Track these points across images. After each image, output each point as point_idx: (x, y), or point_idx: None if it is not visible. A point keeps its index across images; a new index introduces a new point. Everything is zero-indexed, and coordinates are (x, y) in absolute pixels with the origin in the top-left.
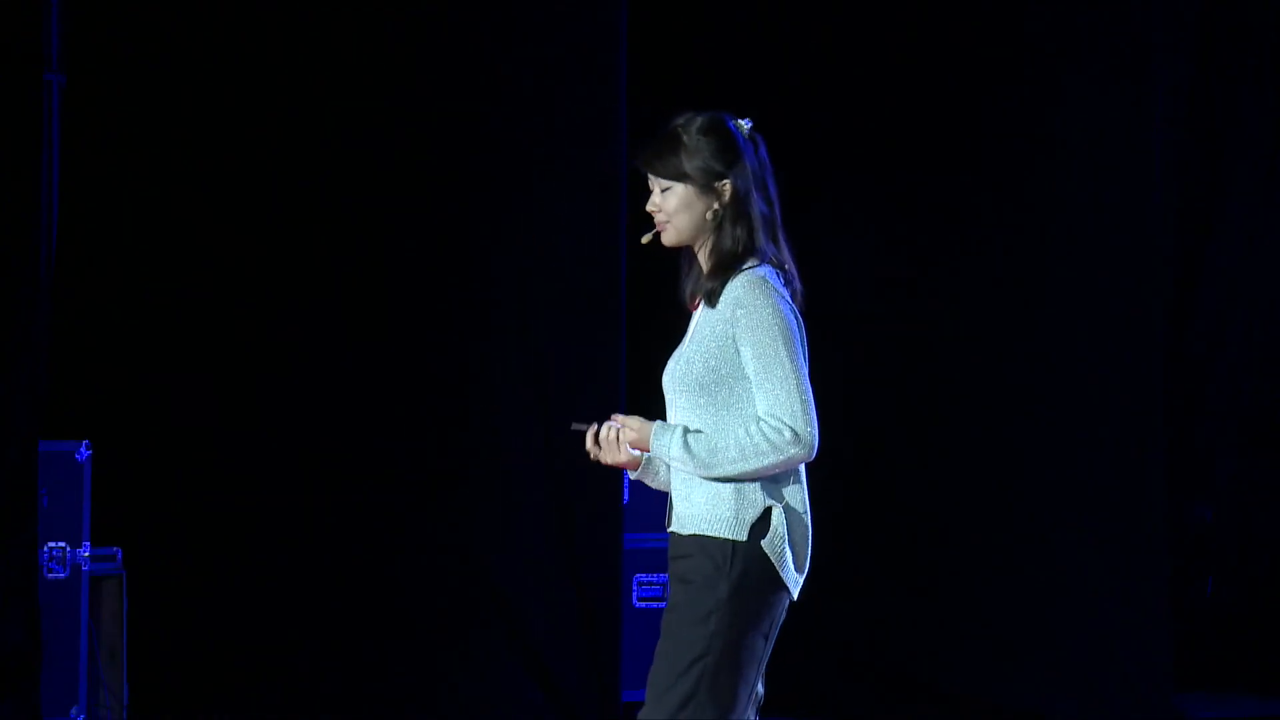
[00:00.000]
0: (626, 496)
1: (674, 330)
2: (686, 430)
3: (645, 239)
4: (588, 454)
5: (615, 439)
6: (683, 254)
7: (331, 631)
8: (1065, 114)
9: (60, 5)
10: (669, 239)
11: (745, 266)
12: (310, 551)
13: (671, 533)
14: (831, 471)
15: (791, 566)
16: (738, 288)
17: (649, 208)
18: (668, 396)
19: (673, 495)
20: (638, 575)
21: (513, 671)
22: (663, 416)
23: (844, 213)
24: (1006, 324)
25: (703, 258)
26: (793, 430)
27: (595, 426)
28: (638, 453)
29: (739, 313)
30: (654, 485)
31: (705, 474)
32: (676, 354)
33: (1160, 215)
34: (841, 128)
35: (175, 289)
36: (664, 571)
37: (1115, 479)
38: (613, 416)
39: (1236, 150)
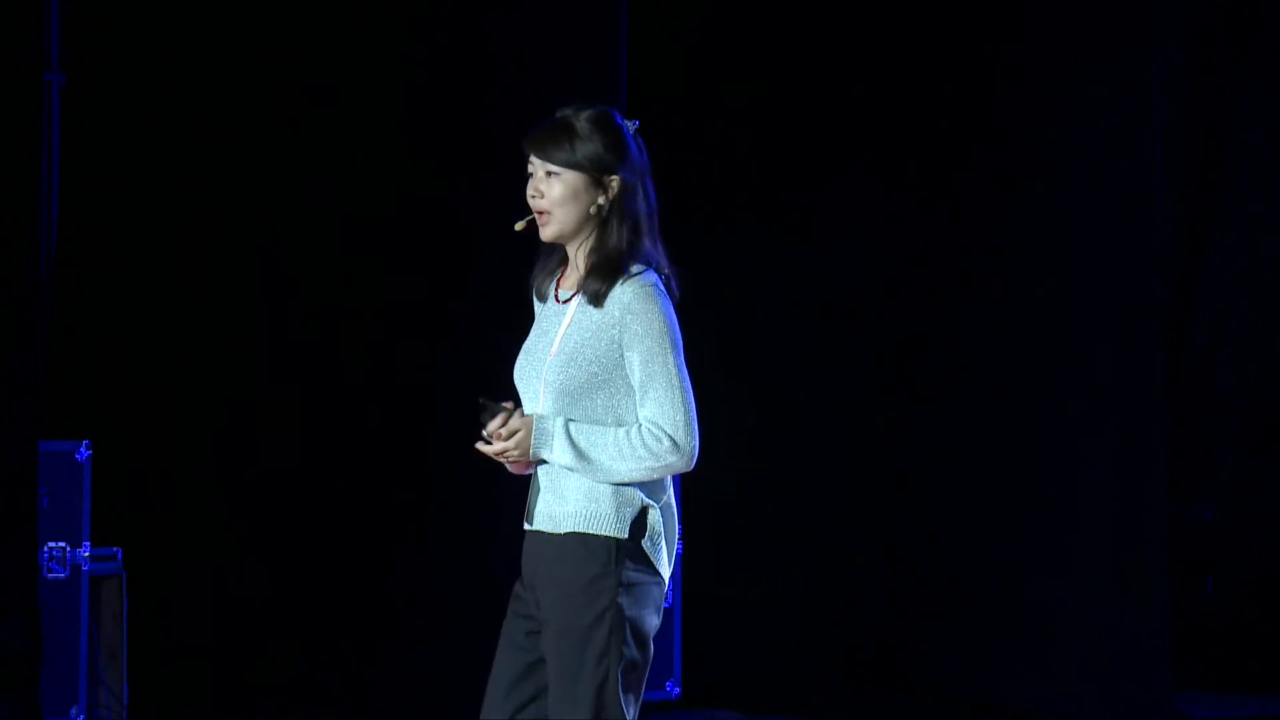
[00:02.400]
0: None
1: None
2: (569, 429)
3: (519, 225)
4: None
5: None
6: (542, 246)
7: (331, 631)
8: (1065, 114)
9: (60, 5)
10: (550, 232)
11: (634, 271)
12: (310, 551)
13: (535, 531)
14: (832, 471)
15: (665, 564)
16: (628, 294)
17: (531, 193)
18: (527, 390)
19: (538, 492)
20: None
21: None
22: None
23: (843, 213)
24: (1006, 323)
25: (580, 255)
26: (672, 440)
27: (501, 418)
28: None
29: (629, 319)
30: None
31: (585, 474)
32: (532, 348)
33: (1160, 216)
34: (841, 128)
35: (175, 289)
36: None
37: (1115, 479)
38: (491, 437)
39: (1236, 151)
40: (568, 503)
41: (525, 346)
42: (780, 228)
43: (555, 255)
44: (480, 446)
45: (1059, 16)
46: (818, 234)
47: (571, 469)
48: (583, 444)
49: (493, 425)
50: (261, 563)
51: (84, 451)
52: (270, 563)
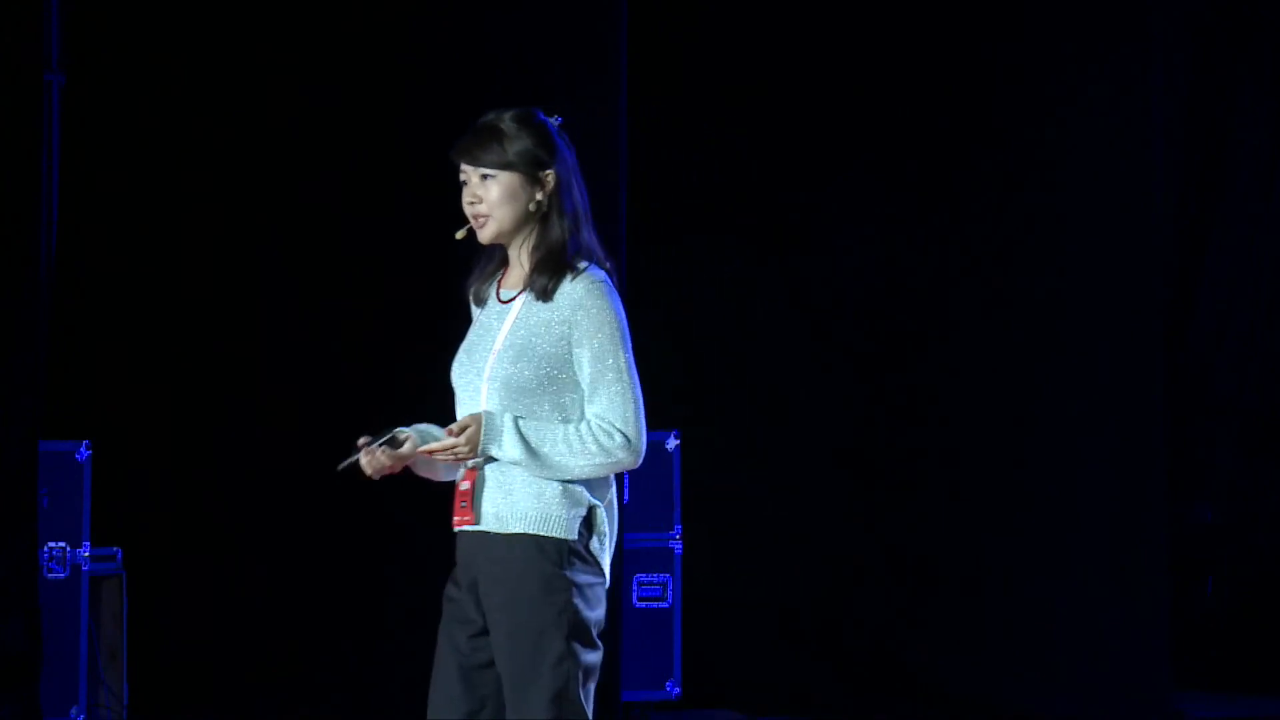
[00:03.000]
0: (627, 496)
1: (675, 328)
2: (518, 424)
3: (460, 234)
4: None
5: (381, 457)
6: (479, 252)
7: (331, 631)
8: (1065, 114)
9: (60, 5)
10: (489, 233)
11: (581, 266)
12: (310, 551)
13: (480, 531)
14: (831, 471)
15: (608, 564)
16: (579, 289)
17: (468, 199)
18: (466, 388)
19: (482, 491)
20: (638, 575)
21: None
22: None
23: (844, 213)
24: (1006, 323)
25: (523, 252)
26: (624, 435)
27: (360, 454)
28: (404, 455)
29: (579, 315)
30: (431, 477)
31: (533, 470)
32: (473, 347)
33: (1160, 216)
34: (841, 128)
35: (175, 289)
36: (665, 572)
37: (1115, 479)
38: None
39: (1236, 151)
40: (517, 503)
41: (465, 346)
42: (780, 228)
43: (493, 260)
44: (431, 447)
45: (1059, 16)
46: (818, 234)
47: (520, 464)
48: (533, 439)
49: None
50: (261, 563)
51: (84, 451)
52: (270, 563)
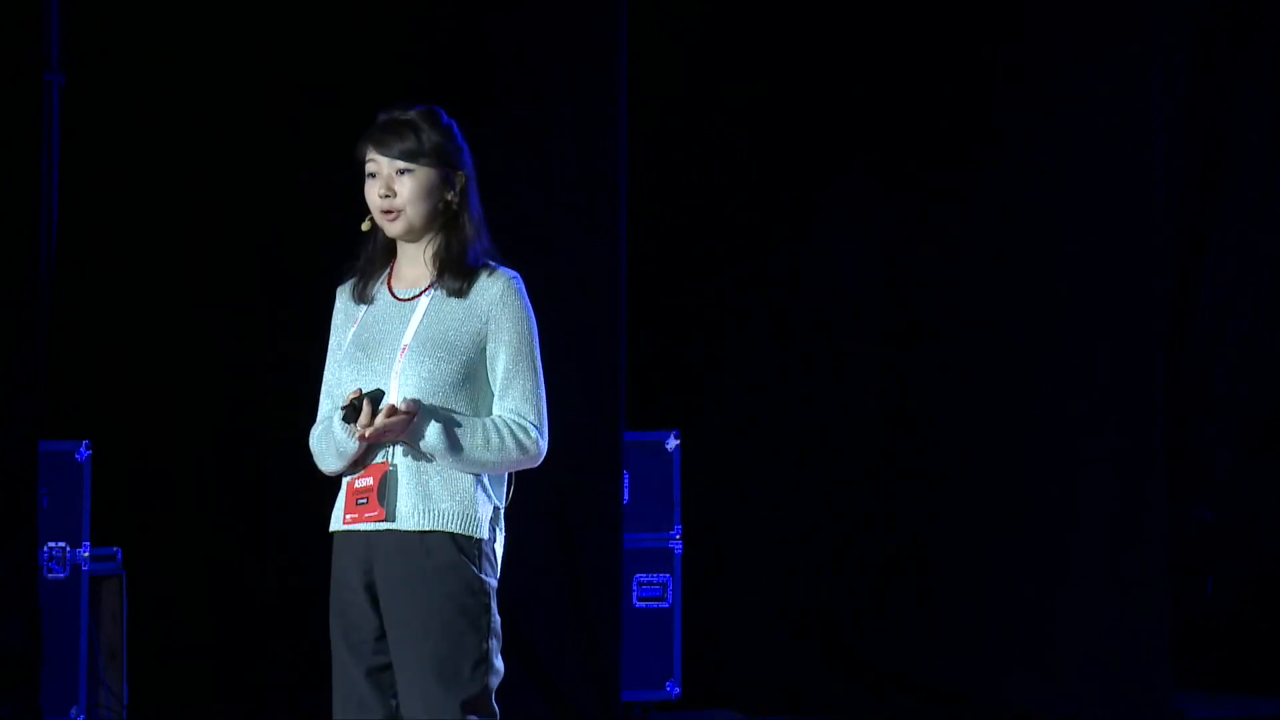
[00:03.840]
0: (627, 496)
1: (675, 328)
2: (438, 414)
3: (365, 226)
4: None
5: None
6: (371, 243)
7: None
8: (1065, 114)
9: (60, 5)
10: (398, 228)
11: (493, 265)
12: (310, 551)
13: (388, 529)
14: (831, 471)
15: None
16: (495, 287)
17: (380, 191)
18: (368, 386)
19: (394, 487)
20: (638, 575)
21: (513, 672)
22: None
23: (843, 213)
24: (1007, 323)
25: (425, 252)
26: (538, 431)
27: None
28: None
29: (497, 311)
30: (344, 457)
31: (449, 462)
32: (372, 344)
33: (1160, 216)
34: (841, 128)
35: (176, 289)
36: (665, 572)
37: (1115, 479)
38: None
39: (1236, 150)
40: (435, 500)
41: (358, 343)
42: (780, 228)
43: (376, 256)
44: (380, 423)
45: (1059, 16)
46: (817, 234)
47: (435, 456)
48: (455, 431)
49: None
50: (261, 563)
51: (84, 451)
52: (270, 563)
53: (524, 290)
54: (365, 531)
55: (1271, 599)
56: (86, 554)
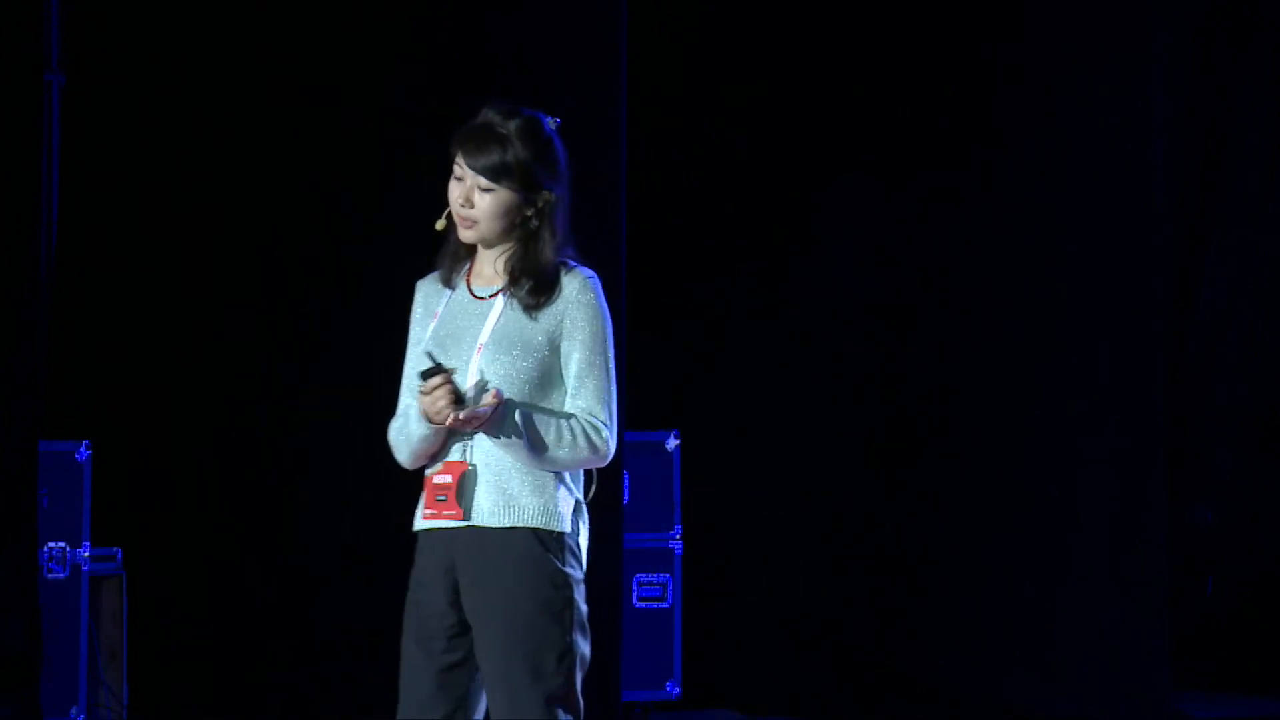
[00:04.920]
0: (627, 496)
1: (677, 327)
2: (520, 410)
3: (440, 224)
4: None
5: (455, 414)
6: (452, 238)
7: (331, 631)
8: (1065, 114)
9: (60, 5)
10: (472, 236)
11: (570, 264)
12: (310, 551)
13: (468, 526)
14: (831, 471)
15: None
16: (573, 287)
17: (458, 200)
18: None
19: (473, 485)
20: (638, 575)
21: None
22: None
23: (843, 213)
24: (1007, 323)
25: (499, 261)
26: (608, 432)
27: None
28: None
29: (573, 312)
30: (423, 445)
31: (524, 456)
32: (450, 339)
33: (1160, 216)
34: (841, 129)
35: (176, 289)
36: (665, 572)
37: (1115, 479)
38: (481, 405)
39: (1236, 150)
40: (516, 497)
41: (437, 339)
42: (780, 228)
43: (456, 254)
44: (468, 412)
45: (1059, 16)
46: (817, 234)
47: (513, 451)
48: (536, 427)
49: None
50: (261, 563)
51: (84, 451)
52: (270, 562)
53: (600, 289)
54: (446, 529)
55: (1271, 599)
56: (86, 554)
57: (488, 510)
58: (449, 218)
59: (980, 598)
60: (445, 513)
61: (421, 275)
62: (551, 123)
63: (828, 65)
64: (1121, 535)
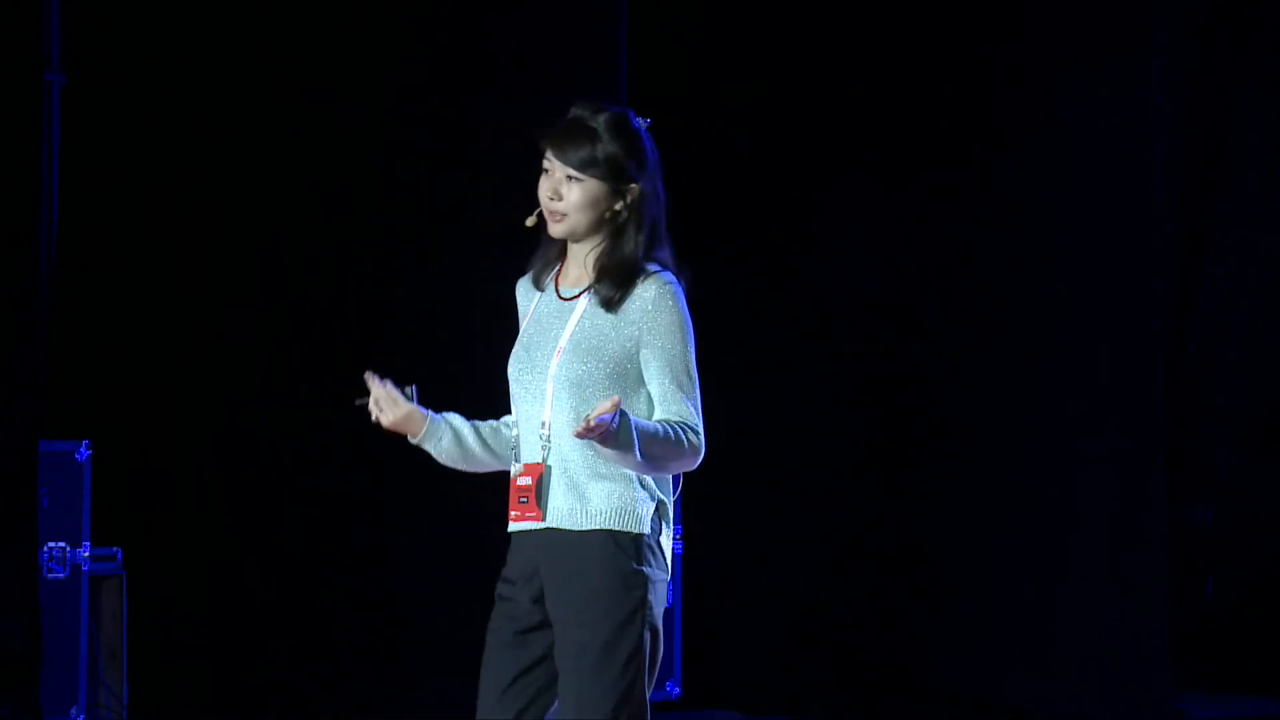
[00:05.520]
0: None
1: None
2: (632, 420)
3: (530, 221)
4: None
5: (390, 394)
6: (545, 238)
7: (331, 631)
8: (1065, 114)
9: (60, 5)
10: (561, 231)
11: (651, 269)
12: (310, 551)
13: (547, 528)
14: (831, 471)
15: (671, 558)
16: (650, 291)
17: (547, 193)
18: (529, 386)
19: (547, 487)
20: None
21: None
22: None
23: (843, 214)
24: (1007, 324)
25: (589, 257)
26: (701, 436)
27: (376, 388)
28: (413, 411)
29: (651, 316)
30: (435, 455)
31: (640, 464)
32: (533, 343)
33: (1160, 216)
34: (841, 128)
35: (175, 289)
36: None
37: (1115, 479)
38: (596, 416)
39: (1236, 150)
40: (591, 499)
41: (523, 341)
42: (780, 228)
43: (555, 246)
44: (580, 428)
45: (1059, 16)
46: (817, 234)
47: (619, 456)
48: (646, 432)
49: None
50: (261, 563)
51: (84, 451)
52: (270, 562)
53: (680, 293)
54: (531, 530)
55: (1271, 599)
56: (86, 554)
57: (564, 512)
58: (539, 215)
59: (980, 598)
60: (527, 515)
61: (421, 275)
62: (641, 121)
63: (828, 65)
64: (1121, 535)
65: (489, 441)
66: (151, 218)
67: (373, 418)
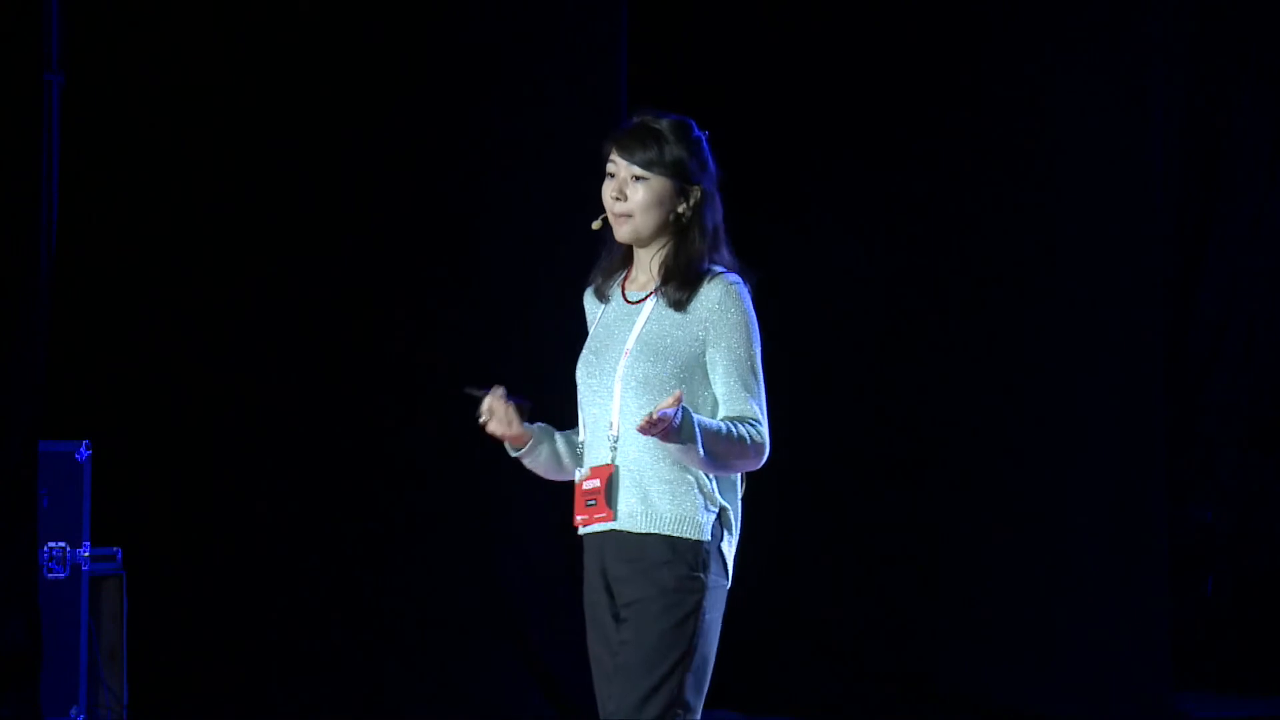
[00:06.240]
0: None
1: None
2: (697, 417)
3: (596, 224)
4: (479, 419)
5: (509, 411)
6: (606, 244)
7: (331, 631)
8: (1065, 114)
9: (60, 5)
10: (626, 233)
11: (716, 270)
12: (310, 551)
13: (613, 530)
14: (831, 471)
15: (733, 563)
16: (716, 291)
17: (613, 195)
18: (597, 388)
19: (616, 489)
20: None
21: (513, 671)
22: (573, 411)
23: (843, 214)
24: (1007, 324)
25: (654, 260)
26: (766, 435)
27: (488, 392)
28: (522, 428)
29: (717, 317)
30: (530, 466)
31: (703, 462)
32: (602, 347)
33: (1160, 215)
34: (841, 129)
35: (175, 289)
36: None
37: (1116, 479)
38: (661, 411)
39: (1236, 150)
40: (653, 503)
41: (591, 346)
42: (777, 227)
43: (616, 256)
44: (643, 423)
45: (1058, 16)
46: (817, 235)
47: (684, 454)
48: (710, 430)
49: (490, 392)
50: (262, 563)
51: (84, 451)
52: (270, 563)
53: (746, 294)
54: (596, 532)
55: (1271, 599)
56: (86, 554)
57: (627, 514)
58: (604, 220)
59: (980, 598)
60: (596, 516)
61: (420, 274)
62: (701, 131)
63: (827, 65)
64: (1121, 535)
65: (578, 450)
66: (151, 218)
67: (480, 420)
